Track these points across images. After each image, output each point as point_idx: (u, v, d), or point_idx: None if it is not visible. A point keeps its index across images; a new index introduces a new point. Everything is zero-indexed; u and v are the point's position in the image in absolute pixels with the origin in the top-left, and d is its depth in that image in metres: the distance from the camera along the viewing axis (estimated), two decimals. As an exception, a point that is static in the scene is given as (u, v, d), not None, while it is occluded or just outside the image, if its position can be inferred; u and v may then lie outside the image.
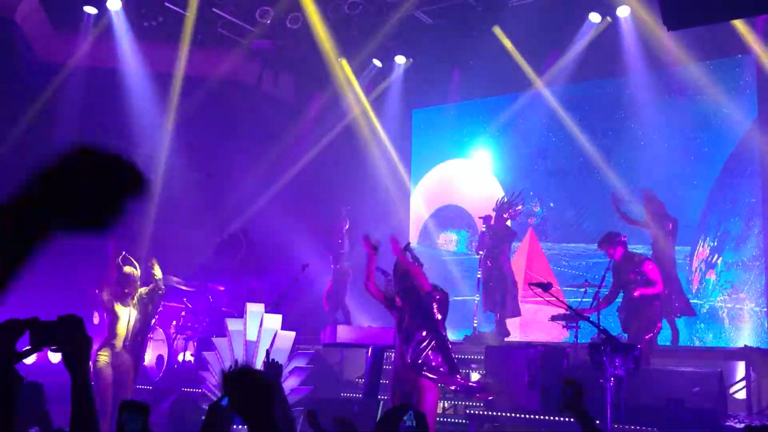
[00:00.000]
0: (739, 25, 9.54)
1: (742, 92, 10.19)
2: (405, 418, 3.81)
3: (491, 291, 10.26)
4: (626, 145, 11.10)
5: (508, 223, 10.49)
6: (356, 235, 11.24)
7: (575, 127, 11.24)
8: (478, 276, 10.39)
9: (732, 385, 8.15)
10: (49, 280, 8.64)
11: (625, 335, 8.20)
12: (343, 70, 12.10)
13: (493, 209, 10.44)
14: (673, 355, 8.81)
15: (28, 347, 2.01)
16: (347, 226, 11.02)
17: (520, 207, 10.60)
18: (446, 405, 8.80)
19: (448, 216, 12.70)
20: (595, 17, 10.68)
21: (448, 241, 12.62)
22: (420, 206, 12.88)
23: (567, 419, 7.18)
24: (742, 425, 6.40)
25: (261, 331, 7.91)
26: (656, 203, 9.72)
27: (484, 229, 10.38)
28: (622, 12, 10.47)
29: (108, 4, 10.73)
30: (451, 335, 11.18)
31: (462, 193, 12.60)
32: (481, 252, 10.39)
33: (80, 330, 2.04)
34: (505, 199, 10.63)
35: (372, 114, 12.52)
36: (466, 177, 12.55)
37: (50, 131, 10.88)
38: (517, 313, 10.41)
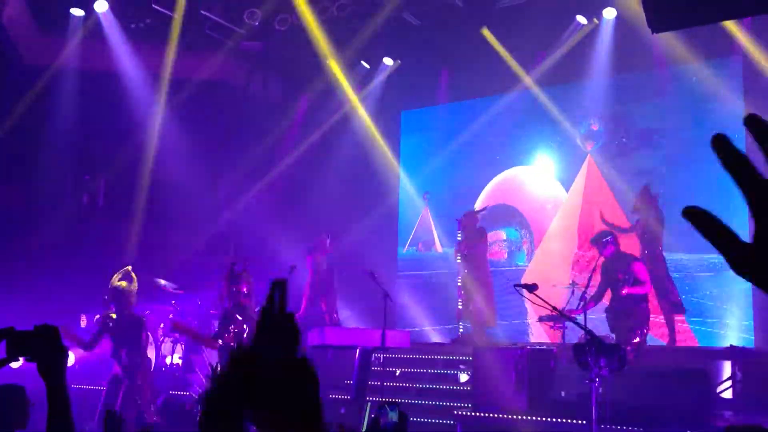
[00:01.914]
0: (725, 27, 9.59)
1: (729, 93, 10.23)
2: (389, 414, 3.82)
3: (466, 300, 10.28)
4: (613, 147, 11.17)
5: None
6: (341, 238, 11.27)
7: (565, 127, 11.30)
8: (459, 284, 10.44)
9: (718, 384, 8.19)
10: (40, 284, 8.63)
11: (613, 336, 8.24)
12: (331, 71, 12.10)
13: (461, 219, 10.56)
14: (659, 355, 8.85)
15: (3, 357, 1.98)
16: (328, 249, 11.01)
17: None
18: (432, 404, 8.81)
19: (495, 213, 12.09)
20: (582, 19, 10.73)
21: (499, 239, 12.15)
22: (415, 210, 12.78)
23: (554, 419, 7.21)
24: (727, 424, 6.44)
25: (248, 332, 7.89)
26: (647, 197, 9.77)
27: (459, 237, 10.47)
28: (609, 14, 10.53)
29: (95, 6, 10.70)
30: (439, 338, 11.30)
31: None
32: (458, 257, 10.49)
33: (55, 340, 2.02)
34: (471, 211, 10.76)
35: (363, 113, 12.51)
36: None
37: (38, 134, 10.86)
38: (492, 323, 10.41)
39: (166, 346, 10.11)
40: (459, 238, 10.49)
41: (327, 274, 10.90)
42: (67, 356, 2.06)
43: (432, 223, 12.52)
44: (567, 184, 11.63)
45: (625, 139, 11.13)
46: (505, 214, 12.21)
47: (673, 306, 9.57)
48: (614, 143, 11.26)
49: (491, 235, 11.55)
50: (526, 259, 11.97)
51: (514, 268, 11.73)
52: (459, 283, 10.41)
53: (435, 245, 12.57)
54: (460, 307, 10.38)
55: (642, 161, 10.88)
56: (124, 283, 7.85)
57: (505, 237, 12.21)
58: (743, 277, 0.84)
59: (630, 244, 9.44)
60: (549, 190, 11.85)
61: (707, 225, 0.83)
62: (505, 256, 12.16)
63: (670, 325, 9.54)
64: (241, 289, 7.66)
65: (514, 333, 10.85)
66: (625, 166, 10.96)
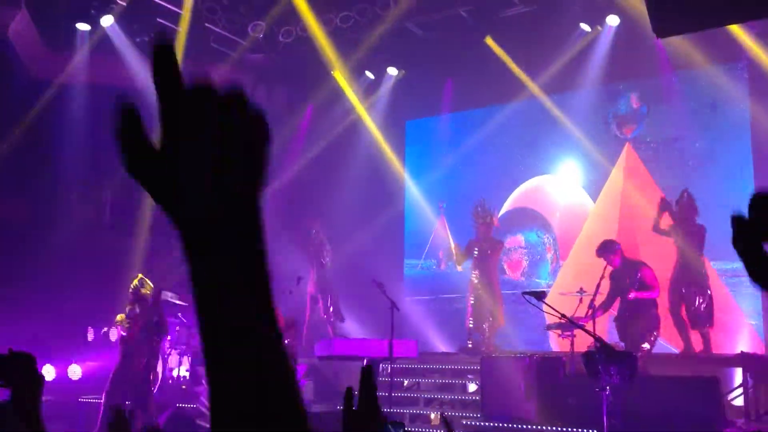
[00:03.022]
0: (730, 31, 9.57)
1: (735, 98, 10.20)
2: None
3: (478, 314, 10.22)
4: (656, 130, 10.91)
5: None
6: (340, 245, 11.24)
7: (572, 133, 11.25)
8: (471, 301, 10.36)
9: (729, 391, 8.11)
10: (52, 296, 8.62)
11: (623, 344, 8.18)
12: (335, 81, 12.13)
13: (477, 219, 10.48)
14: (669, 362, 8.78)
15: None
16: (326, 247, 11.01)
17: (492, 217, 10.53)
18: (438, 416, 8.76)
19: (516, 217, 11.80)
20: (585, 27, 10.73)
21: (517, 245, 11.71)
22: (421, 220, 12.70)
23: (564, 429, 7.15)
24: (740, 432, 6.37)
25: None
26: (685, 206, 9.41)
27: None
28: (612, 21, 10.53)
29: (101, 21, 10.74)
30: (446, 347, 11.23)
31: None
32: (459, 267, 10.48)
33: (31, 368, 1.96)
34: (479, 209, 10.61)
35: (367, 124, 12.51)
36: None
37: (44, 147, 10.89)
38: (501, 321, 10.31)
39: (173, 359, 10.08)
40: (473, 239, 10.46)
41: (326, 272, 10.91)
42: (42, 385, 1.99)
43: (449, 234, 12.25)
44: (591, 191, 11.22)
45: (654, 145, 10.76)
46: (523, 218, 11.72)
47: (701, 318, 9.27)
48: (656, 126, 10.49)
49: (510, 242, 11.40)
50: (551, 270, 11.42)
51: (537, 285, 10.81)
52: (471, 302, 10.33)
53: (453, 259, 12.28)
54: (471, 325, 10.32)
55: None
56: (145, 288, 8.05)
57: (524, 243, 11.64)
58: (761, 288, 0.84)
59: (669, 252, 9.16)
60: (572, 198, 11.39)
61: (746, 235, 0.83)
62: (525, 265, 11.61)
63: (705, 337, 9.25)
64: None
65: (530, 343, 10.69)
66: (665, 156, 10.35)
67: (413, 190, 12.73)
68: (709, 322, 9.15)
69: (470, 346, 10.27)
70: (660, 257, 9.09)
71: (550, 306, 6.08)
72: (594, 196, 11.24)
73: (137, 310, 8.02)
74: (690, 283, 9.03)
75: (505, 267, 11.64)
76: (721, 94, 10.12)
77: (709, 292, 9.05)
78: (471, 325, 10.29)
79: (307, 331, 10.54)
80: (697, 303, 9.09)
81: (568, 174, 11.52)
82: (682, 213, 9.08)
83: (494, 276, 10.41)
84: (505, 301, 10.39)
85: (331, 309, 10.91)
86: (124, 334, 7.99)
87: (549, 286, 10.85)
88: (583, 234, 11.06)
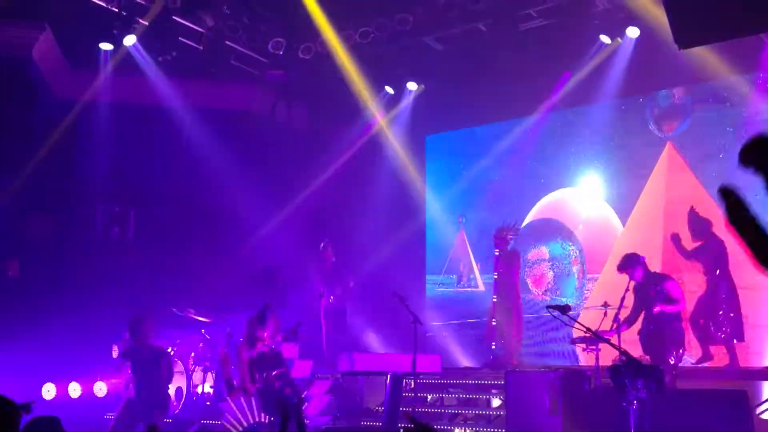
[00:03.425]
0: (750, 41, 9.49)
1: (757, 108, 10.10)
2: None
3: (500, 320, 10.18)
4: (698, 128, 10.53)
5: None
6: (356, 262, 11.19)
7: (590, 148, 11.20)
8: (494, 300, 10.33)
9: (758, 405, 7.99)
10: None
11: (648, 357, 8.09)
12: (355, 97, 12.18)
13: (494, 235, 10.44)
14: (696, 376, 8.67)
15: None
16: (332, 259, 10.95)
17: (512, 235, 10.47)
18: (465, 430, 8.70)
19: (539, 228, 11.55)
20: (605, 39, 10.68)
21: (541, 258, 11.42)
22: (442, 234, 12.68)
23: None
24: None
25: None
26: (697, 221, 9.44)
27: (497, 253, 10.36)
28: (632, 33, 10.48)
29: (124, 41, 10.90)
30: (469, 362, 11.16)
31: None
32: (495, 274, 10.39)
33: (8, 416, 1.94)
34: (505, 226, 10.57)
35: (388, 138, 12.54)
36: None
37: (68, 166, 11.03)
38: (518, 349, 10.23)
39: (197, 375, 10.12)
40: (497, 254, 10.39)
41: (339, 299, 10.79)
42: (19, 417, 1.97)
43: (469, 248, 12.21)
44: (616, 204, 10.97)
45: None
46: (547, 229, 11.43)
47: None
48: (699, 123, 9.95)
49: (533, 254, 11.28)
50: (577, 286, 11.10)
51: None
52: (494, 299, 10.30)
53: (473, 272, 12.20)
54: (494, 323, 10.26)
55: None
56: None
57: (548, 255, 11.36)
58: None
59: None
60: (596, 211, 11.17)
61: (740, 216, 0.83)
62: (550, 280, 11.30)
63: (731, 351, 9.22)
64: (263, 335, 7.69)
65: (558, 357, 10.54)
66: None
67: (434, 205, 12.72)
68: (738, 337, 9.09)
69: (494, 350, 10.22)
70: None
71: (574, 320, 6.04)
72: (617, 209, 11.09)
73: None
74: (718, 298, 9.05)
75: (529, 283, 11.52)
76: (740, 104, 10.01)
77: (735, 307, 9.06)
78: (494, 324, 10.24)
79: (326, 346, 10.49)
80: (723, 317, 9.05)
81: (590, 187, 11.40)
82: (693, 231, 9.21)
83: (514, 297, 10.29)
84: (529, 326, 10.29)
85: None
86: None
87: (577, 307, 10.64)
88: (619, 247, 10.45)
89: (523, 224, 11.47)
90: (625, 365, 5.66)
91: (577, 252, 11.25)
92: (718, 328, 9.29)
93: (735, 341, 9.27)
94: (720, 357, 9.35)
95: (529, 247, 11.33)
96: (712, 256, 9.46)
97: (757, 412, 7.87)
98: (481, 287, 11.85)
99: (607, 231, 11.10)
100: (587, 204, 11.36)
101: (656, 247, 10.20)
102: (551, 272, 11.46)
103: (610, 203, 11.14)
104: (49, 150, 10.79)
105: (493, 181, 12.11)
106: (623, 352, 5.83)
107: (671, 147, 10.57)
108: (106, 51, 11.05)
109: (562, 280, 11.34)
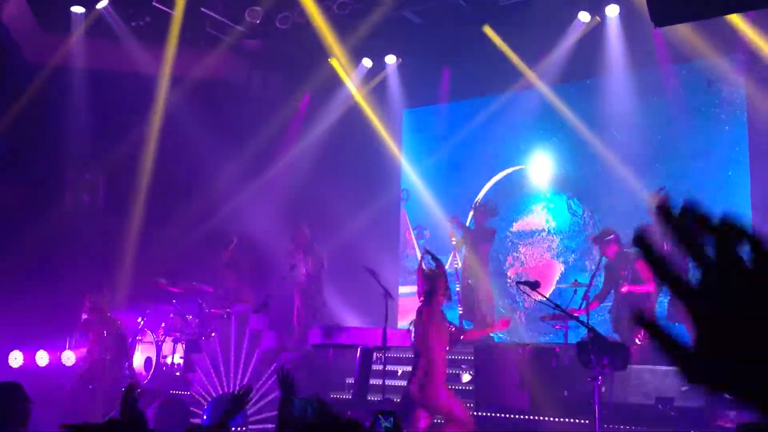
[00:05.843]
0: (729, 21, 9.50)
1: (732, 91, 10.14)
2: (383, 423, 3.73)
3: (467, 305, 10.21)
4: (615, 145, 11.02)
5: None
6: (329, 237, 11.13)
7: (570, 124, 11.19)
8: (457, 289, 10.31)
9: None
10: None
11: (616, 336, 8.15)
12: (333, 69, 12.05)
13: (471, 208, 10.46)
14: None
15: None
16: (308, 236, 10.82)
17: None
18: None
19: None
20: (584, 16, 10.65)
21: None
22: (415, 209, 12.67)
23: (557, 419, 7.15)
24: (732, 424, 6.36)
25: (248, 332, 7.85)
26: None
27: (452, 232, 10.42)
28: (611, 11, 10.45)
29: (97, 4, 10.66)
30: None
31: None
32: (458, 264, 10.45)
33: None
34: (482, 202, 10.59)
35: (364, 111, 12.43)
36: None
37: (38, 131, 10.82)
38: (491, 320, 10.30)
39: (167, 346, 10.06)
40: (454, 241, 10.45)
41: (314, 269, 10.67)
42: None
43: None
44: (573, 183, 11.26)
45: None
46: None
47: None
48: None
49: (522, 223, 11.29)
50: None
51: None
52: (458, 289, 10.32)
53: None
54: (460, 312, 10.29)
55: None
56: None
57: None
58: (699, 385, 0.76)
59: None
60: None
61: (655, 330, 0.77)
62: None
63: None
64: None
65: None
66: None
67: (411, 178, 12.66)
68: None
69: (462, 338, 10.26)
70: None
71: (544, 296, 6.05)
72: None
73: None
74: None
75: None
76: (715, 86, 10.05)
77: None
78: (460, 312, 10.27)
79: (297, 320, 10.46)
80: None
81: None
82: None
83: (484, 266, 10.37)
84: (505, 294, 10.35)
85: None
86: None
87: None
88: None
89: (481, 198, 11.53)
90: (592, 341, 5.69)
91: (590, 212, 11.20)
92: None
93: None
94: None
95: (512, 222, 11.38)
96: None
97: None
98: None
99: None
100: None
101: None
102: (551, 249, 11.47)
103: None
104: (19, 115, 10.56)
105: (469, 157, 12.08)
106: (590, 328, 5.86)
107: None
108: (78, 14, 10.82)
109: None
